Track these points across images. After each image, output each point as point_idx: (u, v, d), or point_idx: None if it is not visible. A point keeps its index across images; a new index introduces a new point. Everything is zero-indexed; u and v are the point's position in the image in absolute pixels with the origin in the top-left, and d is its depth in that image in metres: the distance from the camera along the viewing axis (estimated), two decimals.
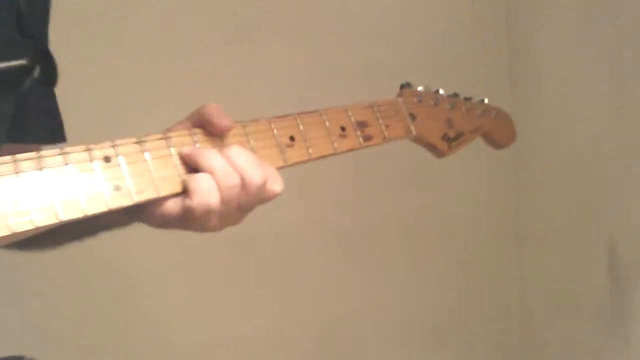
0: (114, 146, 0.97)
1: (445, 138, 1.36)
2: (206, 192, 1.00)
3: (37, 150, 0.93)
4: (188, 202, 1.00)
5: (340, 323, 2.42)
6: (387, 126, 1.26)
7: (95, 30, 2.15)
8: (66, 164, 0.93)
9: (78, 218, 0.93)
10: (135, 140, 0.99)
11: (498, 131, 1.46)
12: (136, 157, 0.98)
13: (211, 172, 1.01)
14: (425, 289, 2.48)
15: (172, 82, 2.20)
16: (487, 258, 2.52)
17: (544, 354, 2.47)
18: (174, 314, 2.28)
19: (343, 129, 1.19)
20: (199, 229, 1.04)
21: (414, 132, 1.30)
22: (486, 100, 1.44)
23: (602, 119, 2.15)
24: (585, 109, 2.21)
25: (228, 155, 1.03)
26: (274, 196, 1.07)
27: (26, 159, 0.91)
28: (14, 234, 0.88)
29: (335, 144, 1.18)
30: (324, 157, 1.17)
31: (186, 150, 1.02)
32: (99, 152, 0.96)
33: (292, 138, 1.13)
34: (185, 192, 1.01)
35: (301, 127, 1.14)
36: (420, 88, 1.35)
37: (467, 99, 1.41)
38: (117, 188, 0.96)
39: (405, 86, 1.34)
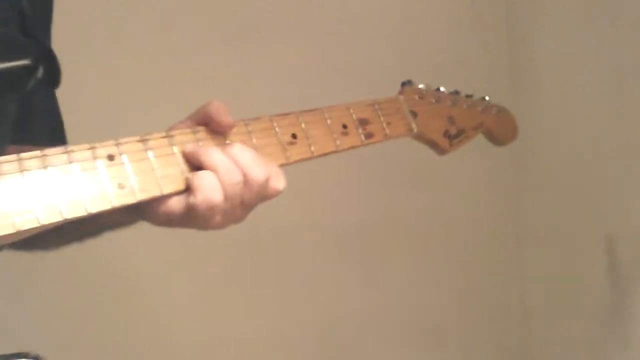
0: (117, 145, 0.98)
1: (447, 135, 1.36)
2: (209, 189, 1.00)
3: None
4: (191, 199, 1.00)
5: (340, 323, 2.42)
6: (388, 124, 1.26)
7: (95, 30, 2.15)
8: (70, 163, 0.94)
9: (82, 216, 0.93)
10: (138, 138, 1.00)
11: (499, 128, 1.46)
12: (139, 156, 0.99)
13: (214, 170, 1.01)
14: (425, 289, 2.47)
15: (172, 82, 2.20)
16: (487, 258, 2.52)
17: (544, 354, 2.47)
18: (174, 313, 2.28)
19: (345, 126, 1.20)
20: (202, 227, 1.04)
21: (415, 130, 1.30)
22: (487, 98, 1.45)
23: (602, 119, 2.15)
24: (585, 109, 2.21)
25: (231, 153, 1.03)
26: (277, 193, 1.07)
27: (31, 158, 0.92)
28: (19, 232, 0.88)
29: (337, 142, 1.18)
30: (326, 154, 1.17)
31: (189, 148, 1.03)
32: (102, 150, 0.97)
33: (294, 136, 1.13)
34: (188, 189, 1.01)
35: (303, 125, 1.14)
36: (421, 86, 1.35)
37: (468, 96, 1.41)
38: (121, 186, 0.96)
39: (406, 84, 1.34)
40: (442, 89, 1.38)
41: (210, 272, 2.28)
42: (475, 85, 1.49)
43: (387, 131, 1.25)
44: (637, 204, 2.04)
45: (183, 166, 1.02)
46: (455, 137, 1.37)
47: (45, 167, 0.92)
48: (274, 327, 2.34)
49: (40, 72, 1.01)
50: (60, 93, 1.20)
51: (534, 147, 2.34)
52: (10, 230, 0.88)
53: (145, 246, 2.06)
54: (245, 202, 1.05)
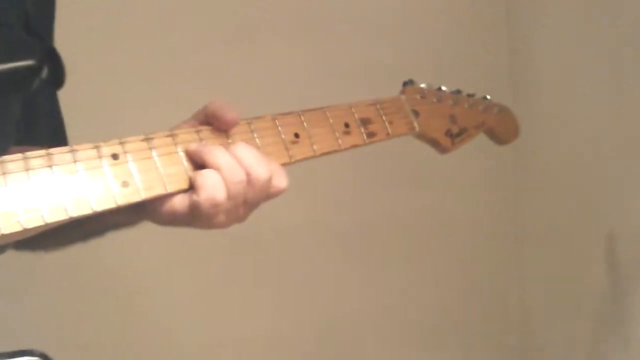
0: (121, 144, 0.99)
1: (449, 134, 1.36)
2: (213, 187, 1.01)
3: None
4: (195, 197, 1.01)
5: (339, 323, 2.42)
6: (390, 123, 1.26)
7: (95, 30, 2.15)
8: (75, 162, 0.95)
9: (87, 214, 0.94)
10: (142, 138, 1.01)
11: (501, 127, 1.46)
12: (143, 155, 1.00)
13: (217, 168, 1.02)
14: (424, 289, 2.47)
15: (172, 82, 2.20)
16: (487, 258, 2.52)
17: (544, 354, 2.47)
18: (175, 313, 2.28)
19: (347, 125, 1.20)
20: (205, 225, 1.05)
21: (417, 129, 1.31)
22: (488, 97, 1.45)
23: (602, 119, 2.15)
24: (585, 109, 2.21)
25: (234, 152, 1.04)
26: (280, 192, 1.08)
27: (36, 157, 0.93)
28: (25, 230, 0.89)
29: (340, 141, 1.19)
30: (329, 153, 1.18)
31: (192, 147, 1.03)
32: (107, 149, 0.98)
33: (296, 135, 1.14)
34: (192, 188, 1.02)
35: (305, 124, 1.15)
36: (423, 85, 1.36)
37: (470, 96, 1.42)
38: (125, 185, 0.97)
39: (408, 83, 1.35)
40: (443, 88, 1.38)
41: (209, 271, 2.28)
42: (475, 85, 1.50)
43: (389, 130, 1.26)
44: (637, 204, 2.04)
45: (186, 165, 1.03)
46: (457, 136, 1.37)
47: (50, 166, 0.93)
48: (273, 327, 2.34)
49: (44, 73, 1.01)
50: (61, 93, 1.20)
51: (534, 147, 2.33)
52: (16, 228, 0.89)
53: (146, 246, 2.06)
54: (249, 201, 1.05)
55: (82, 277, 2.13)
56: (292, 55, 2.33)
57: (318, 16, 2.36)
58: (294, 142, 1.13)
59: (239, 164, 1.03)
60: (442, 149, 1.37)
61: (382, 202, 2.42)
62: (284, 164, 1.11)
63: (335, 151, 1.19)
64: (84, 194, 0.94)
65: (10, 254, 1.12)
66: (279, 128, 1.12)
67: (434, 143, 1.36)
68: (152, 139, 1.01)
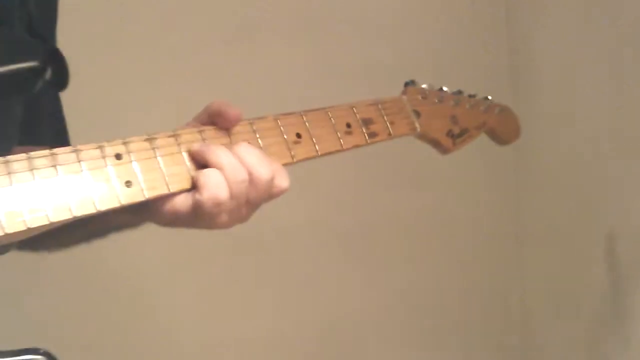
0: (125, 144, 0.99)
1: (450, 134, 1.36)
2: (215, 186, 1.01)
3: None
4: (198, 196, 1.01)
5: (341, 323, 2.42)
6: (392, 123, 1.27)
7: (95, 30, 2.15)
8: (79, 162, 0.95)
9: (91, 214, 0.94)
10: (145, 138, 1.01)
11: (502, 127, 1.47)
12: (147, 154, 1.00)
13: (220, 168, 1.02)
14: (425, 289, 2.48)
15: (172, 82, 2.20)
16: (487, 258, 2.52)
17: (544, 354, 2.47)
18: (176, 314, 2.28)
19: (348, 126, 1.21)
20: (208, 225, 1.05)
21: (418, 129, 1.31)
22: (490, 97, 1.45)
23: (602, 119, 2.15)
24: (585, 109, 2.22)
25: (236, 152, 1.04)
26: (282, 192, 1.08)
27: (40, 157, 0.93)
28: (29, 230, 0.89)
29: (341, 141, 1.19)
30: (331, 153, 1.18)
31: (195, 147, 1.04)
32: (110, 149, 0.98)
33: (298, 135, 1.14)
34: (194, 187, 1.02)
35: (307, 124, 1.15)
36: (424, 86, 1.36)
37: (471, 96, 1.42)
38: (129, 184, 0.97)
39: (409, 84, 1.35)
40: (445, 88, 1.39)
41: (210, 271, 2.28)
42: (475, 85, 1.50)
43: (391, 130, 1.26)
44: (637, 204, 2.04)
45: (189, 165, 1.03)
46: (458, 136, 1.37)
47: (54, 165, 0.93)
48: (276, 326, 2.34)
49: (48, 74, 1.01)
50: (62, 93, 1.20)
51: (534, 147, 2.33)
52: (21, 227, 0.89)
53: (148, 246, 2.06)
54: (251, 201, 1.05)
55: (85, 277, 2.13)
56: (292, 55, 2.33)
57: (318, 16, 2.36)
58: (296, 142, 1.13)
59: (241, 164, 1.03)
60: (444, 150, 1.37)
61: (383, 202, 2.42)
62: (286, 164, 1.11)
63: (337, 151, 1.19)
64: (88, 193, 0.94)
65: (13, 254, 1.12)
66: (281, 128, 1.13)
67: (435, 143, 1.36)
68: (155, 139, 1.01)
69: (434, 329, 2.49)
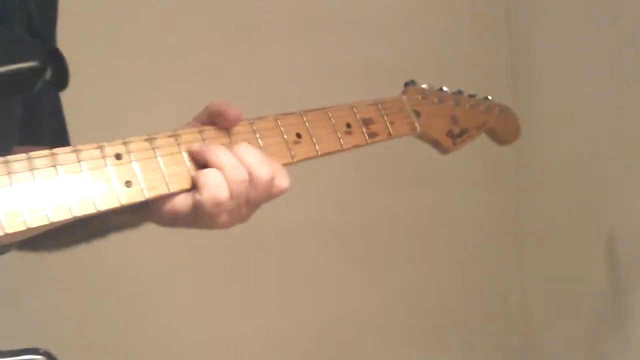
0: (125, 144, 0.99)
1: (450, 134, 1.36)
2: (215, 186, 1.01)
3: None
4: (198, 196, 1.01)
5: (341, 323, 2.42)
6: (392, 123, 1.27)
7: (95, 30, 2.15)
8: (79, 161, 0.95)
9: (91, 214, 0.94)
10: (145, 138, 1.01)
11: (502, 127, 1.47)
12: (147, 154, 1.00)
13: (220, 168, 1.02)
14: (425, 289, 2.48)
15: (172, 82, 2.20)
16: (487, 258, 2.52)
17: (544, 354, 2.47)
18: (176, 314, 2.28)
19: (348, 126, 1.21)
20: (208, 225, 1.05)
21: (418, 129, 1.31)
22: (490, 97, 1.45)
23: (602, 119, 2.15)
24: (585, 109, 2.22)
25: (236, 152, 1.04)
26: (282, 192, 1.08)
27: (40, 157, 0.93)
28: (29, 230, 0.89)
29: (341, 141, 1.19)
30: (331, 153, 1.18)
31: (195, 147, 1.04)
32: (110, 149, 0.98)
33: (298, 135, 1.14)
34: (194, 187, 1.02)
35: (307, 124, 1.15)
36: (424, 86, 1.36)
37: (471, 96, 1.42)
38: (129, 184, 0.98)
39: (409, 84, 1.35)
40: (445, 89, 1.39)
41: (210, 271, 2.28)
42: (475, 85, 1.50)
43: (391, 130, 1.26)
44: (637, 204, 2.04)
45: (189, 165, 1.03)
46: (458, 136, 1.37)
47: (54, 165, 0.93)
48: (276, 326, 2.34)
49: (48, 74, 1.01)
50: (62, 93, 1.20)
51: (534, 147, 2.33)
52: (21, 227, 0.89)
53: (148, 246, 2.06)
54: (251, 201, 1.05)
55: (85, 277, 2.13)
56: (292, 55, 2.33)
57: (318, 16, 2.36)
58: (296, 142, 1.14)
59: (241, 164, 1.03)
60: (444, 150, 1.37)
61: (383, 203, 2.42)
62: (286, 164, 1.11)
63: (337, 151, 1.19)
64: (88, 193, 0.94)
65: (13, 254, 1.12)
66: (281, 128, 1.13)
67: (436, 143, 1.36)
68: (155, 139, 1.01)
69: (434, 329, 2.49)
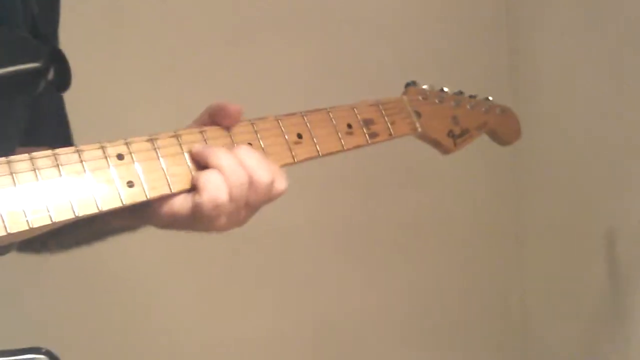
0: (127, 144, 0.99)
1: (451, 135, 1.37)
2: (215, 188, 1.01)
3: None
4: (197, 198, 1.01)
5: (340, 323, 2.42)
6: (392, 123, 1.27)
7: (95, 30, 2.15)
8: (81, 162, 0.95)
9: (94, 214, 0.94)
10: (147, 138, 1.01)
11: (503, 128, 1.47)
12: (148, 155, 1.00)
13: (220, 170, 1.02)
14: (425, 289, 2.48)
15: (173, 82, 2.20)
16: (487, 258, 2.52)
17: (544, 354, 2.47)
18: (175, 314, 2.28)
19: (349, 126, 1.21)
20: (206, 228, 1.05)
21: (419, 129, 1.31)
22: (490, 98, 1.45)
23: (602, 119, 2.16)
24: (585, 108, 2.22)
25: (237, 154, 1.04)
26: (280, 194, 1.08)
27: (42, 157, 0.93)
28: (32, 229, 0.89)
29: (342, 141, 1.19)
30: (332, 154, 1.18)
31: (196, 148, 1.04)
32: (112, 149, 0.98)
33: (299, 135, 1.14)
34: (194, 188, 1.02)
35: (308, 124, 1.16)
36: (425, 86, 1.36)
37: (471, 97, 1.42)
38: (131, 185, 0.98)
39: (410, 84, 1.36)
40: (445, 89, 1.39)
41: (212, 272, 2.28)
42: (475, 85, 1.50)
43: (392, 131, 1.26)
44: (637, 204, 2.05)
45: (190, 166, 1.03)
46: (459, 136, 1.38)
47: (56, 166, 0.94)
48: (275, 326, 2.34)
49: (50, 74, 1.01)
50: (65, 94, 1.20)
51: (534, 147, 2.33)
52: (24, 227, 0.90)
53: (147, 247, 2.05)
54: (250, 204, 1.05)
55: (85, 277, 2.13)
56: (292, 55, 2.33)
57: (318, 16, 2.36)
58: (297, 143, 1.14)
59: (241, 167, 1.03)
60: (445, 150, 1.37)
61: (383, 202, 2.42)
62: (287, 165, 1.11)
63: (338, 152, 1.19)
64: (90, 193, 0.94)
65: (13, 254, 1.12)
66: (282, 129, 1.13)
67: (436, 144, 1.36)
68: (156, 139, 1.01)
69: (434, 329, 2.49)
